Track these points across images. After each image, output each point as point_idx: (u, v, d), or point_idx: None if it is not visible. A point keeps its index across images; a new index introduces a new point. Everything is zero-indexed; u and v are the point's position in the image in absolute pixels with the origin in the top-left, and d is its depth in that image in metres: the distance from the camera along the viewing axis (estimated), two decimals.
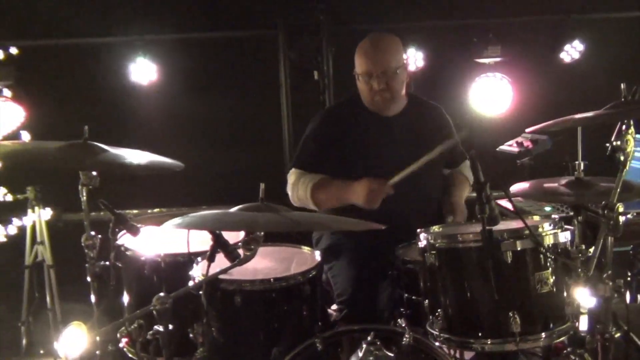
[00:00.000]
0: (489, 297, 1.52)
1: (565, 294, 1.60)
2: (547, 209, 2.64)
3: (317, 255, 2.18)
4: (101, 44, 4.07)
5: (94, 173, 1.93)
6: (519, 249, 1.52)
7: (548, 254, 1.54)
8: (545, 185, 2.12)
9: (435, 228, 1.72)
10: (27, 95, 3.99)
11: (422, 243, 1.67)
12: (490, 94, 4.22)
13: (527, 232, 1.49)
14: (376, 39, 2.50)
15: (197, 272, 2.06)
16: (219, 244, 1.88)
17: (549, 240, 1.60)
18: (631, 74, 4.11)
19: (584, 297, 1.68)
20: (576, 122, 1.81)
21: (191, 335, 2.11)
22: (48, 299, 3.40)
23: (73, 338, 3.54)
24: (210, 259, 1.88)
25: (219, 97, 4.12)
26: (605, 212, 1.69)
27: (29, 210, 3.23)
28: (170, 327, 1.65)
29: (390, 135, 2.55)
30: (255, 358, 1.98)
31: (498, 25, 4.11)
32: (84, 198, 1.91)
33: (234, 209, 1.65)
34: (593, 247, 1.68)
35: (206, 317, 2.03)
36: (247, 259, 1.65)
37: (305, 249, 2.28)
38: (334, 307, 2.37)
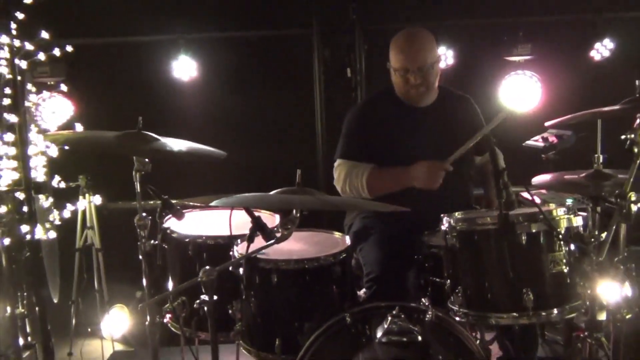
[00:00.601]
0: (505, 275, 1.66)
1: (577, 274, 1.72)
2: (569, 200, 2.75)
3: (347, 240, 2.35)
4: (146, 42, 4.30)
5: (147, 160, 2.12)
6: (533, 231, 1.65)
7: (560, 236, 1.67)
8: (566, 177, 2.23)
9: (457, 214, 1.85)
10: (77, 90, 4.25)
11: (445, 226, 1.81)
12: (520, 92, 4.32)
13: (541, 216, 1.62)
14: (412, 35, 2.62)
15: (238, 251, 2.25)
16: (258, 226, 2.06)
17: (562, 224, 1.72)
18: None
19: (606, 290, 1.81)
20: (592, 116, 1.93)
21: (230, 311, 2.30)
22: (96, 280, 3.64)
23: (116, 319, 3.81)
24: (250, 239, 2.07)
25: (255, 93, 4.31)
26: (618, 200, 1.81)
27: (80, 197, 3.47)
28: (215, 297, 1.82)
29: (422, 125, 2.67)
30: (289, 332, 2.14)
31: (528, 24, 4.19)
32: (138, 183, 2.10)
33: (273, 192, 1.82)
34: (605, 233, 1.80)
35: (245, 294, 2.22)
36: (284, 237, 1.82)
37: (337, 234, 2.44)
38: (363, 290, 2.51)
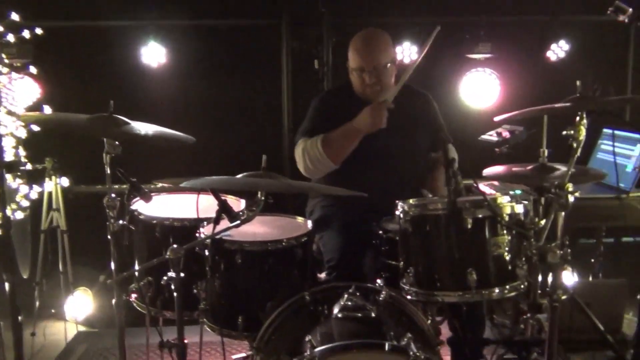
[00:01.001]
0: (451, 256, 1.81)
1: (517, 257, 1.88)
2: (517, 191, 2.92)
3: (309, 224, 2.46)
4: (116, 27, 4.31)
5: (117, 143, 2.20)
6: (478, 216, 1.80)
7: (503, 222, 1.82)
8: (514, 169, 2.40)
9: (411, 200, 1.98)
10: (44, 73, 4.25)
11: (399, 211, 1.95)
12: (479, 88, 4.50)
13: (486, 203, 1.76)
14: (368, 37, 2.75)
15: (204, 233, 2.34)
16: (224, 209, 2.16)
17: (505, 211, 1.88)
18: (611, 74, 4.39)
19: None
20: (539, 113, 2.08)
21: (195, 291, 2.40)
22: (60, 262, 3.68)
23: (80, 302, 3.85)
24: (216, 221, 2.17)
25: (224, 82, 4.37)
26: (557, 190, 1.97)
27: (47, 179, 3.50)
28: (182, 275, 1.92)
29: None
30: (251, 311, 2.24)
31: (489, 23, 4.37)
32: (107, 165, 2.18)
33: (239, 176, 1.92)
34: (544, 220, 1.96)
35: (210, 274, 2.31)
36: (248, 219, 1.93)
37: (299, 218, 2.55)
38: (324, 273, 2.64)
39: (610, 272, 3.20)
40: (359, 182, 2.60)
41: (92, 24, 4.32)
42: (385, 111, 2.56)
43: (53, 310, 3.77)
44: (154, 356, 2.95)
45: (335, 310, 1.88)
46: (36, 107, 4.12)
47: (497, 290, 1.83)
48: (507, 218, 1.86)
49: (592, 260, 3.08)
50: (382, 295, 2.06)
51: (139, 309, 2.67)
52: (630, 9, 2.11)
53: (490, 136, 3.27)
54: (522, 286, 1.89)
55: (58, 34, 4.32)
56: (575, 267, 3.16)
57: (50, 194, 3.54)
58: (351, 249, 2.52)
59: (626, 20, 2.15)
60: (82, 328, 3.80)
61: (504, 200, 1.90)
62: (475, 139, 3.49)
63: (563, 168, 2.36)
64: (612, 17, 2.19)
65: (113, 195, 2.27)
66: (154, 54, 4.24)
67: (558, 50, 4.41)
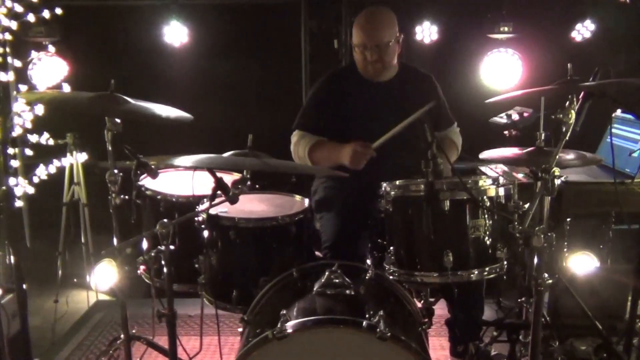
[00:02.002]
0: (428, 238, 1.83)
1: (496, 240, 1.89)
2: (520, 175, 2.90)
3: (306, 202, 2.51)
4: (139, 6, 4.42)
5: (118, 120, 2.29)
6: (456, 198, 1.81)
7: (482, 205, 1.82)
8: (509, 153, 2.39)
9: (397, 182, 2.00)
10: (71, 51, 4.40)
11: (382, 192, 1.97)
12: (501, 69, 4.42)
13: (461, 184, 1.77)
14: (371, 14, 2.75)
15: (201, 208, 2.42)
16: (219, 186, 2.23)
17: (486, 194, 1.88)
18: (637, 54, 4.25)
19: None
20: (527, 95, 2.07)
21: (196, 265, 2.49)
22: (82, 234, 3.84)
23: (104, 272, 4.02)
24: (212, 198, 2.24)
25: (244, 61, 4.44)
26: (542, 174, 1.96)
27: (68, 154, 3.65)
28: (172, 247, 2.00)
29: (379, 100, 2.80)
30: (245, 285, 2.32)
31: (512, 2, 4.28)
32: (109, 141, 2.27)
33: (226, 154, 1.98)
34: (529, 203, 1.95)
35: (207, 249, 2.40)
36: (235, 196, 1.99)
37: (297, 197, 2.60)
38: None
39: (620, 259, 3.15)
40: (370, 170, 2.63)
41: (116, 3, 4.45)
42: (366, 158, 2.56)
43: (75, 280, 3.94)
44: (158, 327, 3.11)
45: (315, 286, 1.93)
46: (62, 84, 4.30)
47: (475, 272, 1.85)
48: (487, 201, 1.86)
49: (601, 246, 3.03)
50: (368, 274, 2.10)
51: (147, 280, 2.79)
52: None
53: (501, 118, 3.23)
54: (503, 269, 1.90)
55: (84, 13, 4.47)
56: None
57: (71, 168, 3.69)
58: (347, 230, 2.55)
59: (628, 1, 2.08)
60: (103, 297, 3.97)
61: (485, 183, 1.90)
62: (486, 121, 3.46)
63: (565, 153, 2.34)
64: None
65: (115, 170, 2.36)
66: (176, 34, 4.32)
67: (583, 30, 4.29)
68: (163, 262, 2.03)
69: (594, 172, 2.91)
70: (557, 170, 1.96)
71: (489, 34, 4.37)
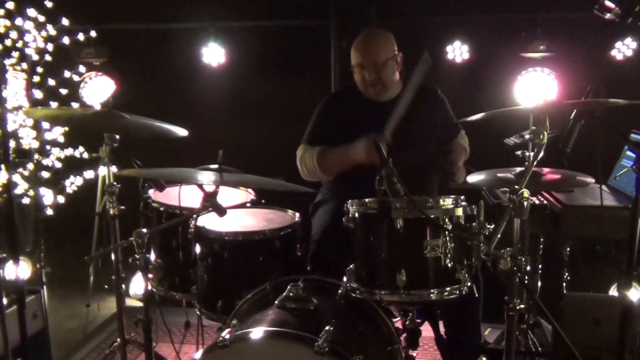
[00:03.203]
0: (382, 256, 1.82)
1: (457, 261, 1.85)
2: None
3: (297, 217, 2.56)
4: (180, 29, 4.67)
5: (117, 136, 2.44)
6: (409, 217, 1.79)
7: (441, 224, 1.80)
8: (499, 174, 2.34)
9: (367, 200, 1.99)
10: (118, 70, 4.70)
11: (345, 209, 1.99)
12: (536, 89, 4.30)
13: (411, 203, 1.76)
14: (367, 34, 2.79)
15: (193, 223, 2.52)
16: (208, 199, 2.32)
17: (446, 214, 1.85)
18: None
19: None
20: (499, 114, 2.03)
21: (192, 276, 2.59)
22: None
23: (138, 279, 4.20)
24: (200, 212, 2.33)
25: (277, 79, 4.58)
26: (511, 196, 1.91)
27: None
28: (152, 255, 2.11)
29: (382, 119, 2.76)
30: (230, 296, 2.38)
31: (546, 20, 4.17)
32: (105, 155, 2.42)
33: (196, 168, 2.07)
34: (494, 225, 1.91)
35: (197, 261, 2.49)
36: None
37: (290, 212, 2.65)
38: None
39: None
40: (367, 176, 2.64)
41: (159, 26, 4.71)
42: (385, 148, 2.54)
43: (106, 287, 4.16)
44: (176, 332, 3.35)
45: (276, 301, 1.97)
46: (110, 102, 4.59)
47: (434, 292, 1.82)
48: (447, 221, 1.84)
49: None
50: (340, 290, 2.11)
51: (154, 289, 2.92)
52: (615, 6, 1.97)
53: (515, 139, 3.15)
54: (463, 290, 1.86)
55: (130, 36, 4.78)
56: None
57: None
58: (333, 229, 2.56)
59: (616, 19, 2.01)
60: (133, 303, 4.16)
61: (447, 201, 1.88)
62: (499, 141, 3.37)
63: (553, 174, 2.27)
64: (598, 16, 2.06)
65: (114, 183, 2.51)
66: (214, 54, 4.52)
67: (624, 48, 4.11)
68: (139, 267, 2.13)
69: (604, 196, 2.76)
70: (526, 192, 1.91)
71: (523, 52, 4.28)
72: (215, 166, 2.03)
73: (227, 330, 1.77)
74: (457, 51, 4.31)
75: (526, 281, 2.38)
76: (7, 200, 2.15)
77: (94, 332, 3.72)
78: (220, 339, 1.70)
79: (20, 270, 3.24)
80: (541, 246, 2.88)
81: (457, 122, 2.96)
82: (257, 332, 1.71)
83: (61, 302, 4.20)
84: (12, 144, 3.34)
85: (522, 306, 1.97)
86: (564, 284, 2.62)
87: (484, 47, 4.32)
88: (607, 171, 2.94)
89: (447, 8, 4.28)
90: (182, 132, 2.49)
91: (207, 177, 1.95)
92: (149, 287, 2.92)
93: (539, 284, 2.89)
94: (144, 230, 2.13)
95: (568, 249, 2.57)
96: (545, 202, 2.71)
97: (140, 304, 4.02)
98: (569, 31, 4.18)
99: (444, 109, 2.93)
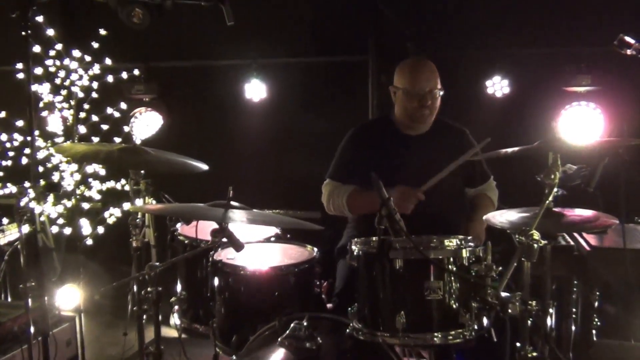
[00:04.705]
0: (382, 297, 1.78)
1: (461, 304, 1.79)
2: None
3: (315, 253, 2.56)
4: (223, 66, 4.83)
5: (142, 172, 2.53)
6: (410, 258, 1.76)
7: (444, 266, 1.75)
8: (519, 214, 2.27)
9: (372, 238, 1.97)
10: (165, 105, 4.90)
11: (348, 247, 1.97)
12: (581, 124, 4.16)
13: (410, 244, 1.73)
14: (423, 61, 2.77)
15: (212, 257, 2.56)
16: (224, 234, 2.36)
17: (450, 255, 1.80)
18: None
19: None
20: (502, 155, 1.98)
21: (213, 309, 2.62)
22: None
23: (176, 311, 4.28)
24: (217, 247, 2.38)
25: (316, 113, 4.62)
26: (520, 237, 1.85)
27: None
28: (160, 289, 2.16)
29: (412, 153, 2.78)
30: (244, 331, 2.39)
31: (589, 54, 4.05)
32: (131, 189, 2.52)
33: (205, 204, 2.11)
34: (501, 267, 1.85)
35: (214, 294, 2.52)
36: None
37: (309, 247, 2.66)
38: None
39: None
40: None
41: (204, 63, 4.89)
42: (414, 201, 2.54)
43: (145, 316, 4.24)
44: None
45: (279, 338, 1.96)
46: (157, 135, 4.78)
47: (432, 337, 1.76)
48: (451, 262, 1.79)
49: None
50: (348, 329, 2.08)
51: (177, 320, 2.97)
52: (634, 42, 1.90)
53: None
54: (468, 335, 1.79)
55: (178, 73, 4.98)
56: None
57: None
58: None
59: (638, 55, 1.94)
60: (169, 333, 4.23)
61: (453, 242, 1.83)
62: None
63: (571, 214, 2.18)
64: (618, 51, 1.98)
65: (139, 216, 2.60)
66: (255, 90, 4.64)
67: None
68: (151, 301, 2.18)
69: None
70: (536, 234, 1.84)
71: (566, 87, 4.15)
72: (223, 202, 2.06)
73: None
74: (497, 85, 4.24)
75: (551, 326, 2.29)
76: (32, 232, 2.25)
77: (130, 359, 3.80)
78: None
79: (62, 298, 3.44)
80: (575, 289, 2.74)
81: (486, 169, 2.89)
82: None
83: (103, 330, 4.31)
84: (56, 176, 3.52)
85: (534, 354, 1.88)
86: (594, 330, 2.48)
87: (524, 81, 4.23)
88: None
89: (486, 42, 4.23)
90: (203, 166, 2.56)
91: (214, 214, 1.98)
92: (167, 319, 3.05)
93: (573, 329, 2.74)
94: (157, 263, 2.19)
95: (598, 293, 2.43)
96: (572, 243, 2.60)
97: (175, 334, 4.13)
98: (613, 65, 4.03)
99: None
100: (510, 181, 3.11)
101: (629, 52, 1.94)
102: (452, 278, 1.77)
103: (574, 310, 2.74)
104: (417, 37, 4.28)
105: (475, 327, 1.82)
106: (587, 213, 2.21)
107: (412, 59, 2.88)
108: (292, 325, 1.97)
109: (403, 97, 2.77)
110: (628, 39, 1.91)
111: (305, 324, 1.96)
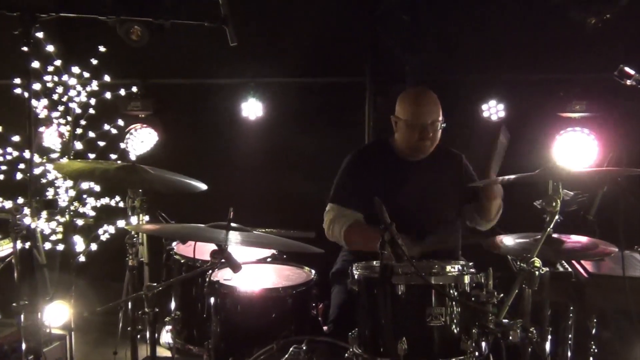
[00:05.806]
0: (383, 322, 1.77)
1: (463, 330, 1.78)
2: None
3: (313, 275, 2.54)
4: (220, 84, 4.83)
5: (140, 190, 2.52)
6: (411, 283, 1.75)
7: (446, 293, 1.74)
8: (517, 240, 2.27)
9: (374, 262, 1.97)
10: (161, 122, 4.88)
11: (351, 271, 1.96)
12: (575, 150, 4.20)
13: (414, 271, 1.72)
14: (425, 92, 2.76)
15: (208, 277, 2.54)
16: (222, 255, 2.34)
17: (451, 281, 1.80)
18: None
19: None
20: (499, 183, 1.99)
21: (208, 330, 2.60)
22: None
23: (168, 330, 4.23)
24: (215, 267, 2.36)
25: (312, 133, 4.62)
26: (522, 265, 1.85)
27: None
28: (156, 309, 2.13)
29: (410, 178, 2.79)
30: (241, 353, 2.37)
31: (584, 80, 4.10)
32: (129, 207, 2.49)
33: (206, 225, 2.10)
34: (502, 294, 1.85)
35: (211, 314, 2.50)
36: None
37: (306, 269, 2.64)
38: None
39: None
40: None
41: (201, 82, 4.89)
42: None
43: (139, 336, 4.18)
44: None
45: None
46: (153, 151, 4.76)
47: None
48: (452, 288, 1.79)
49: None
50: (347, 353, 2.07)
51: (172, 340, 2.93)
52: (634, 72, 1.92)
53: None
54: None
55: (174, 90, 4.98)
56: None
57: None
58: (352, 306, 2.52)
59: (637, 85, 1.96)
60: (163, 352, 4.17)
61: (454, 269, 1.83)
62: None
63: (570, 241, 2.19)
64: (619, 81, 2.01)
65: (134, 234, 2.57)
66: (252, 109, 4.65)
67: None
68: (147, 321, 2.15)
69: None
70: (537, 262, 1.84)
71: (561, 112, 4.20)
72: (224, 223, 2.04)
73: None
74: (493, 109, 4.27)
75: (549, 353, 2.28)
76: (28, 249, 2.22)
77: None
78: None
79: (51, 315, 3.38)
80: (571, 315, 2.74)
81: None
82: None
83: (92, 348, 4.25)
84: (50, 192, 3.49)
85: None
86: (590, 357, 2.48)
87: (519, 105, 4.27)
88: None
89: (482, 67, 4.27)
90: (202, 186, 2.55)
91: (215, 236, 1.96)
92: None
93: (569, 355, 2.74)
94: (155, 284, 2.17)
95: (595, 320, 2.43)
96: (570, 270, 2.60)
97: (166, 353, 4.08)
98: (608, 91, 4.07)
99: (467, 175, 2.88)
100: (507, 206, 3.12)
101: (628, 82, 1.96)
102: (454, 304, 1.76)
103: (569, 336, 2.74)
104: (414, 61, 4.32)
105: (477, 354, 1.81)
106: (583, 239, 2.23)
107: (414, 89, 2.87)
108: (291, 349, 1.95)
109: (404, 128, 2.76)
110: (628, 69, 1.93)
111: (304, 347, 1.94)
